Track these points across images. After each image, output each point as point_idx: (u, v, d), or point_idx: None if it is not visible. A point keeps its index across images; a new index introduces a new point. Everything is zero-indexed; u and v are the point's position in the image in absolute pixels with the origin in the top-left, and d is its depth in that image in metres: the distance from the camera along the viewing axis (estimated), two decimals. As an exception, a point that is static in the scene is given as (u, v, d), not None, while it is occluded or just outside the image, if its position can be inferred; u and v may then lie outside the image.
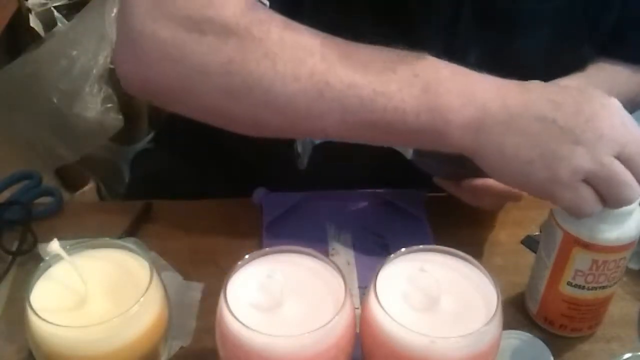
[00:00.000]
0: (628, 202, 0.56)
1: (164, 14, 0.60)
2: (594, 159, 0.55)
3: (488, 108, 0.58)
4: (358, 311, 0.53)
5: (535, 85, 0.60)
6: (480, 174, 0.67)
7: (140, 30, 0.61)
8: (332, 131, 0.62)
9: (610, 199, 0.56)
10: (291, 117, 0.61)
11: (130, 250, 0.55)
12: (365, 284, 0.64)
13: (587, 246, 0.58)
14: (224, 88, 0.60)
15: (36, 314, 0.48)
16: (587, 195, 0.55)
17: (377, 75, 0.59)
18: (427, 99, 0.58)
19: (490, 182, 0.68)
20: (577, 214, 0.57)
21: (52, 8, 1.52)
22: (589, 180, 0.55)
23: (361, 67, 0.59)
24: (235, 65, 0.59)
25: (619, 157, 0.55)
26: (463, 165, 0.63)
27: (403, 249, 0.54)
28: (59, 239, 0.52)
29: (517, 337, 0.62)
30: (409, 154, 0.67)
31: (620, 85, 0.76)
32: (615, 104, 0.58)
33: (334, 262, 0.53)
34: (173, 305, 0.55)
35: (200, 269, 0.69)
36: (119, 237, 0.71)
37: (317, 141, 0.68)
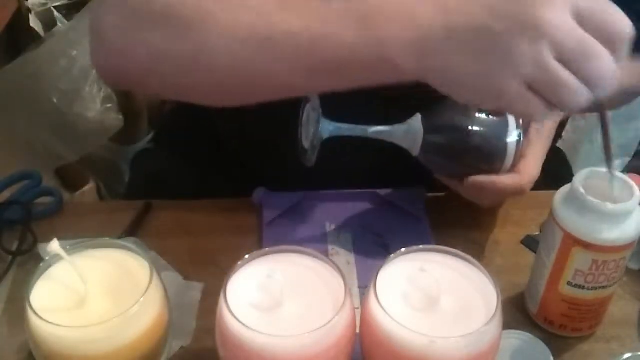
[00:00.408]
0: (573, 105, 0.53)
1: (114, 3, 0.65)
2: (533, 63, 0.51)
3: (428, 29, 0.55)
4: (358, 311, 0.53)
5: None
6: (484, 172, 0.67)
7: (97, 22, 0.66)
8: (289, 83, 0.61)
9: (556, 102, 0.53)
10: (244, 78, 0.61)
11: (130, 250, 0.55)
12: (365, 284, 0.64)
13: (587, 246, 0.58)
14: (175, 61, 0.62)
15: (36, 314, 0.48)
16: (534, 102, 0.53)
17: (312, 18, 0.58)
18: (366, 31, 0.56)
19: (492, 179, 0.67)
20: (531, 120, 0.54)
21: (52, 8, 1.53)
22: (533, 86, 0.52)
23: (297, 13, 0.59)
24: (179, 36, 0.61)
25: (560, 60, 0.52)
26: (468, 163, 0.62)
27: (403, 249, 0.54)
28: (59, 239, 0.52)
29: (517, 337, 0.62)
30: (415, 151, 0.67)
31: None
32: None
33: (334, 262, 0.53)
34: (173, 305, 0.55)
35: (200, 269, 0.69)
36: (119, 237, 0.71)
37: (325, 136, 0.67)
